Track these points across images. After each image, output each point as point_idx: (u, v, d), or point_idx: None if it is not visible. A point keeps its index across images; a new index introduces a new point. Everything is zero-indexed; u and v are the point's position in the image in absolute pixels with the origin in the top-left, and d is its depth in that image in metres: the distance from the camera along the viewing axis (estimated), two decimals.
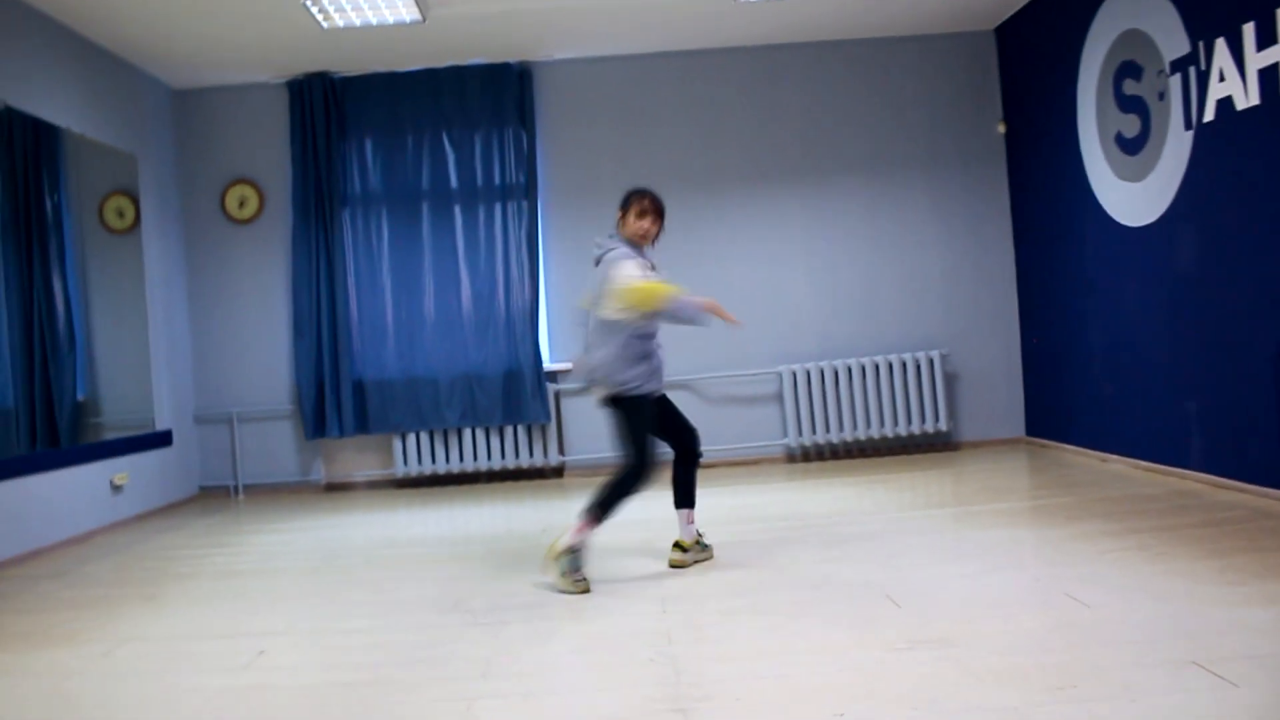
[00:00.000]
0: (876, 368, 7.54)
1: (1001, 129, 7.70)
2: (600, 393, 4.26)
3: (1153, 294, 5.90)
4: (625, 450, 4.17)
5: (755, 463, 7.63)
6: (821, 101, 7.75)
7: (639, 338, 4.18)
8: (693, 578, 4.17)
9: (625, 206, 4.36)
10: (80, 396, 6.50)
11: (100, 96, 6.75)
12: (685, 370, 7.52)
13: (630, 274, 4.10)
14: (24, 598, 4.60)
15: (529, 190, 7.55)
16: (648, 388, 4.20)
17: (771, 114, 7.75)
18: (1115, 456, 6.38)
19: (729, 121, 7.73)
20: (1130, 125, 5.98)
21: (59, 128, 6.26)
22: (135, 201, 7.09)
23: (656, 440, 4.27)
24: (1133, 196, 6.01)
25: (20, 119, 5.94)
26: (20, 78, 5.92)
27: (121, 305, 6.94)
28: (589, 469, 7.51)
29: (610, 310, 4.13)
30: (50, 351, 6.15)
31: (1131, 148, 5.98)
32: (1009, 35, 7.60)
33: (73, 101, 6.42)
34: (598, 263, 4.32)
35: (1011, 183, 7.73)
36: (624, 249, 4.26)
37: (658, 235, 4.41)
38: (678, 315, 4.13)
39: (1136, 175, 5.95)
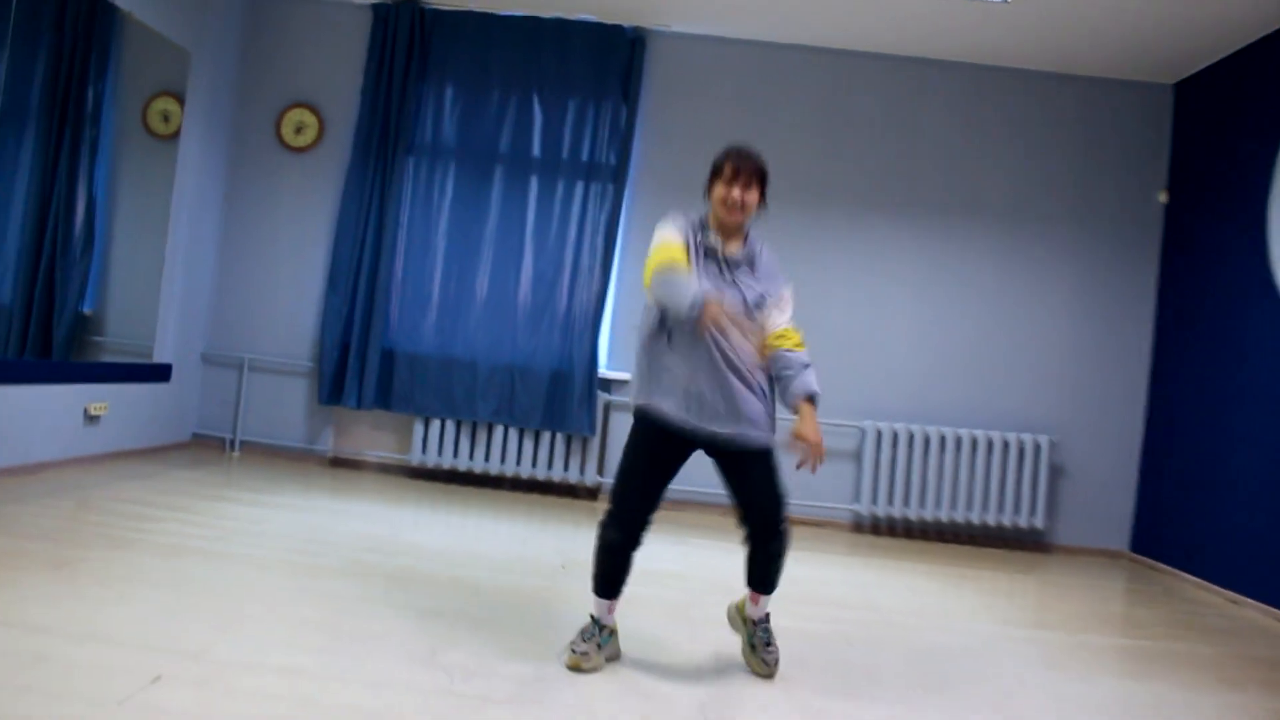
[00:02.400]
0: (975, 442, 6.52)
1: (1163, 198, 6.67)
2: None
3: None
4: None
5: (817, 525, 6.63)
6: (963, 132, 6.77)
7: (654, 334, 3.15)
8: (742, 677, 3.20)
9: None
10: (86, 309, 5.74)
11: None
12: None
13: (660, 236, 3.13)
14: None
15: (618, 172, 6.64)
16: (642, 400, 3.15)
17: (904, 136, 6.78)
18: (1252, 601, 5.31)
19: (854, 136, 6.77)
20: None
21: (116, 8, 5.50)
22: (183, 106, 6.29)
23: (644, 482, 3.15)
24: None
25: None
26: None
27: (149, 218, 6.17)
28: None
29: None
30: (60, 253, 5.40)
31: None
32: (1192, 92, 6.56)
33: None
34: None
35: (1163, 261, 6.69)
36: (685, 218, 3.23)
37: (739, 196, 3.12)
38: (664, 297, 2.99)
39: None
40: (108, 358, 5.90)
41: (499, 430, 6.60)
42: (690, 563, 4.95)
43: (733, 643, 3.51)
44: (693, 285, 2.95)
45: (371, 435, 6.84)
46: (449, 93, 6.81)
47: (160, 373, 6.32)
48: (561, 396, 6.49)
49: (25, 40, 4.94)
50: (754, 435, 3.10)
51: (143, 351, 6.18)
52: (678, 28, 6.71)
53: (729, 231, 3.19)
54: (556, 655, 3.15)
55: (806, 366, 3.15)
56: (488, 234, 6.70)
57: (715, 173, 3.17)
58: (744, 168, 3.12)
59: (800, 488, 6.58)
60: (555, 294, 6.63)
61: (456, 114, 6.78)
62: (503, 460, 6.62)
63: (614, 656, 3.20)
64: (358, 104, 6.80)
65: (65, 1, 5.21)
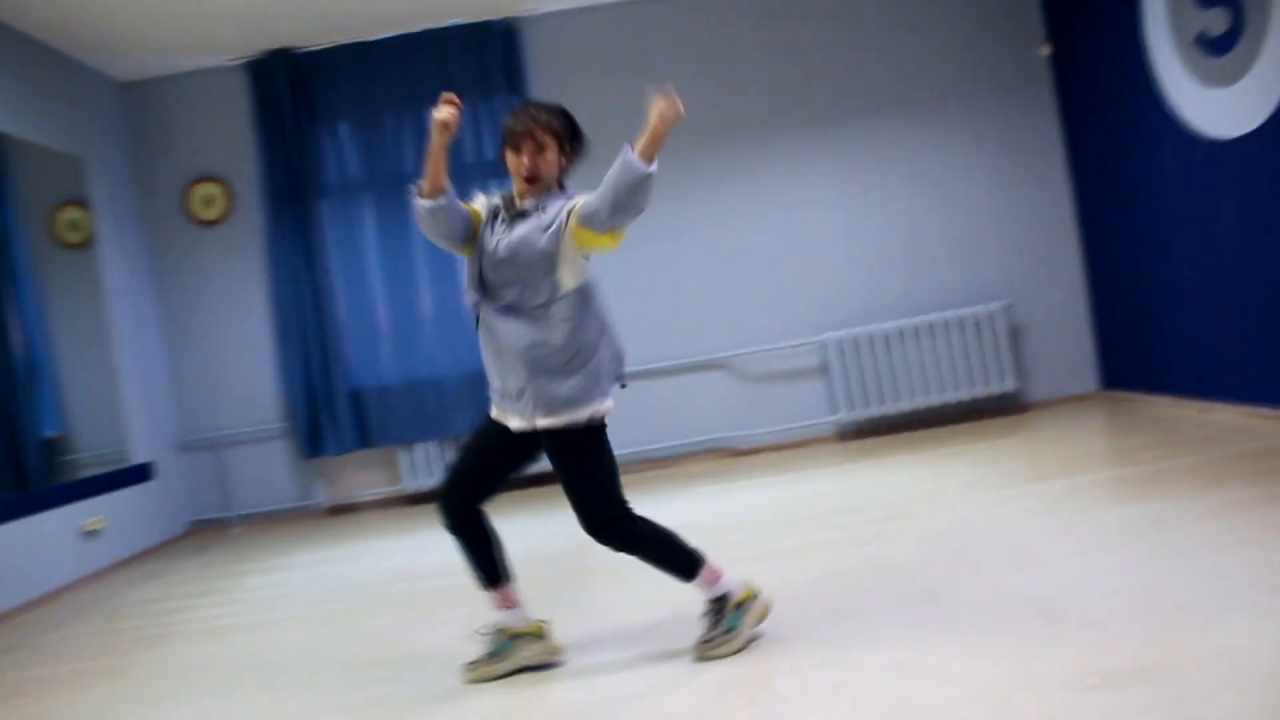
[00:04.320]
0: (931, 328, 6.73)
1: (1045, 50, 6.87)
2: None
3: (1257, 214, 5.08)
4: None
5: (804, 444, 6.82)
6: (842, 36, 6.91)
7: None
8: (780, 598, 3.34)
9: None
10: (49, 433, 5.75)
11: (39, 95, 5.98)
12: (717, 347, 6.77)
13: None
14: None
15: None
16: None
17: (787, 55, 6.92)
18: (1219, 405, 5.56)
19: (742, 68, 6.91)
20: (1216, 21, 5.15)
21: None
22: (90, 211, 6.31)
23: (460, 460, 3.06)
24: (1223, 104, 5.19)
25: None
26: None
27: (86, 327, 6.19)
28: (620, 466, 6.71)
29: None
30: (8, 385, 5.41)
31: (1219, 47, 5.16)
32: None
33: (10, 103, 5.65)
34: None
35: (1062, 108, 6.89)
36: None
37: (526, 162, 2.82)
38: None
39: (1227, 79, 5.13)
40: (86, 473, 5.94)
41: None
42: (699, 512, 5.11)
43: (762, 566, 3.67)
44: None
45: (360, 476, 6.94)
46: (343, 129, 6.87)
47: (142, 473, 6.37)
48: None
49: None
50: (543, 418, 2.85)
51: (118, 458, 6.22)
52: (547, 8, 6.80)
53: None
54: (614, 629, 3.31)
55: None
56: (418, 254, 6.78)
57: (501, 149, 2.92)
58: (522, 129, 2.82)
59: (779, 412, 6.79)
60: None
61: (356, 147, 6.85)
62: None
63: (542, 657, 2.98)
64: (257, 163, 6.84)
65: None
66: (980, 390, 6.71)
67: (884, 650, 2.69)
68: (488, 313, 2.86)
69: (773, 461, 6.38)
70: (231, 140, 6.93)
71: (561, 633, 3.08)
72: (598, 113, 6.79)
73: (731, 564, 3.85)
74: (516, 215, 2.87)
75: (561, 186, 2.94)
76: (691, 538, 4.29)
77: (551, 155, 2.85)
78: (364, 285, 6.79)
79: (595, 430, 2.87)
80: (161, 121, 6.97)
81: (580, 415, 2.82)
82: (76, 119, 6.32)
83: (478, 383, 6.66)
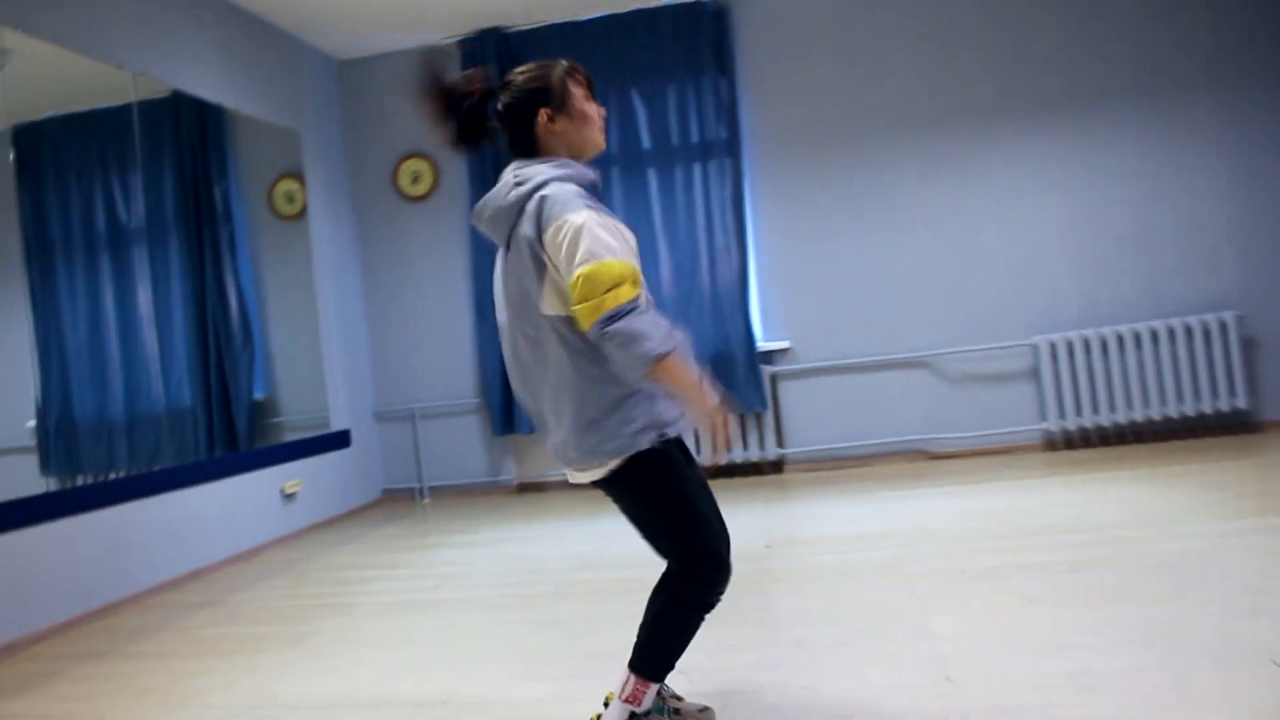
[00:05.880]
0: (1154, 335, 6.24)
1: None
2: (583, 471, 2.33)
3: None
4: (671, 539, 2.35)
5: (1007, 451, 6.45)
6: (1079, 16, 6.46)
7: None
8: (978, 620, 3.13)
9: (546, 92, 2.34)
10: (258, 395, 5.98)
11: (263, 72, 6.21)
12: (921, 345, 6.47)
13: (590, 233, 2.14)
14: (161, 637, 3.98)
15: (732, 146, 6.58)
16: (660, 432, 2.28)
17: (1017, 36, 6.52)
18: None
19: (966, 50, 6.55)
20: None
21: (224, 109, 5.75)
22: (304, 184, 6.53)
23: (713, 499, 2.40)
24: None
25: (186, 103, 5.49)
26: (184, 58, 5.49)
27: (295, 296, 6.41)
28: (812, 463, 6.52)
29: (554, 306, 2.23)
30: (225, 348, 5.65)
31: None
32: None
33: (236, 79, 5.92)
34: (507, 213, 2.27)
35: None
36: (563, 174, 2.31)
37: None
38: (633, 347, 2.08)
39: None
40: (288, 437, 6.15)
41: None
42: (890, 517, 4.87)
43: (957, 582, 3.45)
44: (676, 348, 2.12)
45: (550, 456, 6.96)
46: None
47: (341, 440, 6.56)
48: (726, 378, 6.47)
49: (151, 159, 5.18)
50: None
51: (319, 424, 6.42)
52: None
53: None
54: (753, 658, 3.15)
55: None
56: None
57: (565, 91, 2.34)
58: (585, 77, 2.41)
59: (983, 416, 6.45)
60: (697, 279, 6.62)
61: None
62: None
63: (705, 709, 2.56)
64: None
65: (178, 114, 5.44)
66: (1207, 405, 6.19)
67: (1100, 696, 2.44)
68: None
69: (972, 468, 6.06)
70: None
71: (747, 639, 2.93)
72: (806, 94, 6.64)
73: (921, 580, 3.65)
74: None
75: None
76: (879, 547, 4.11)
77: None
78: None
79: None
80: (375, 98, 7.15)
81: None
82: (296, 94, 6.53)
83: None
